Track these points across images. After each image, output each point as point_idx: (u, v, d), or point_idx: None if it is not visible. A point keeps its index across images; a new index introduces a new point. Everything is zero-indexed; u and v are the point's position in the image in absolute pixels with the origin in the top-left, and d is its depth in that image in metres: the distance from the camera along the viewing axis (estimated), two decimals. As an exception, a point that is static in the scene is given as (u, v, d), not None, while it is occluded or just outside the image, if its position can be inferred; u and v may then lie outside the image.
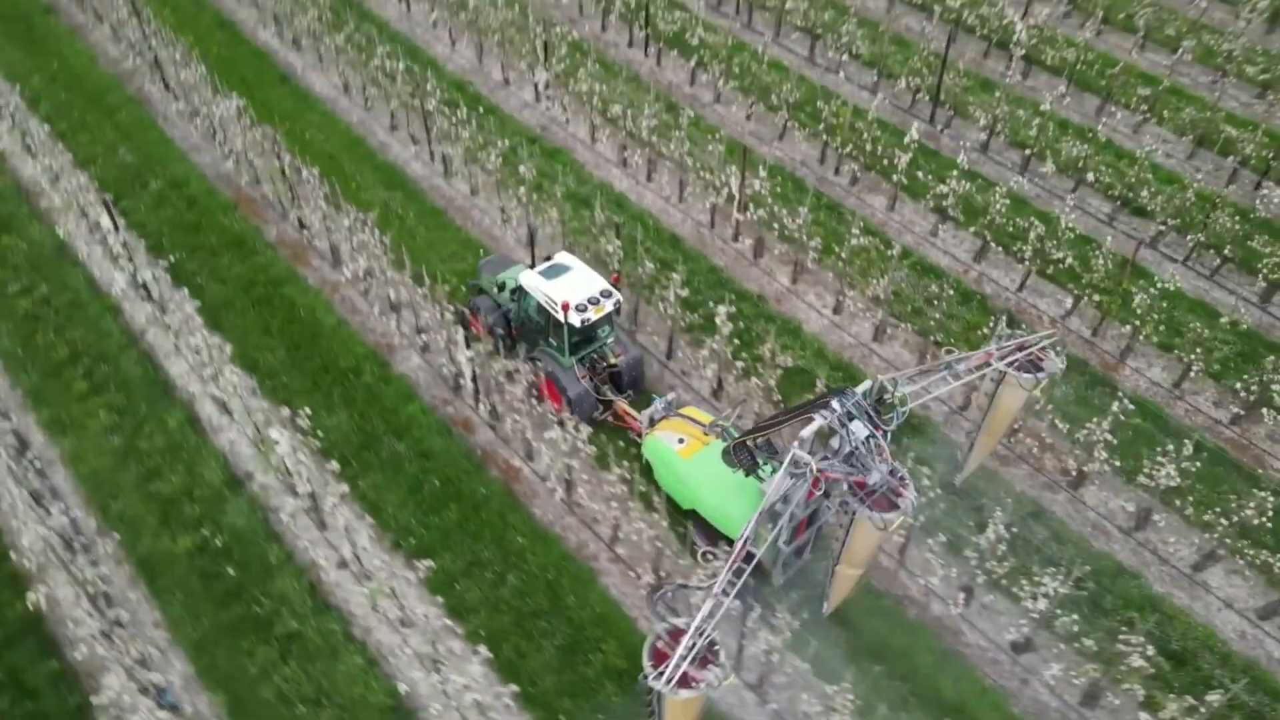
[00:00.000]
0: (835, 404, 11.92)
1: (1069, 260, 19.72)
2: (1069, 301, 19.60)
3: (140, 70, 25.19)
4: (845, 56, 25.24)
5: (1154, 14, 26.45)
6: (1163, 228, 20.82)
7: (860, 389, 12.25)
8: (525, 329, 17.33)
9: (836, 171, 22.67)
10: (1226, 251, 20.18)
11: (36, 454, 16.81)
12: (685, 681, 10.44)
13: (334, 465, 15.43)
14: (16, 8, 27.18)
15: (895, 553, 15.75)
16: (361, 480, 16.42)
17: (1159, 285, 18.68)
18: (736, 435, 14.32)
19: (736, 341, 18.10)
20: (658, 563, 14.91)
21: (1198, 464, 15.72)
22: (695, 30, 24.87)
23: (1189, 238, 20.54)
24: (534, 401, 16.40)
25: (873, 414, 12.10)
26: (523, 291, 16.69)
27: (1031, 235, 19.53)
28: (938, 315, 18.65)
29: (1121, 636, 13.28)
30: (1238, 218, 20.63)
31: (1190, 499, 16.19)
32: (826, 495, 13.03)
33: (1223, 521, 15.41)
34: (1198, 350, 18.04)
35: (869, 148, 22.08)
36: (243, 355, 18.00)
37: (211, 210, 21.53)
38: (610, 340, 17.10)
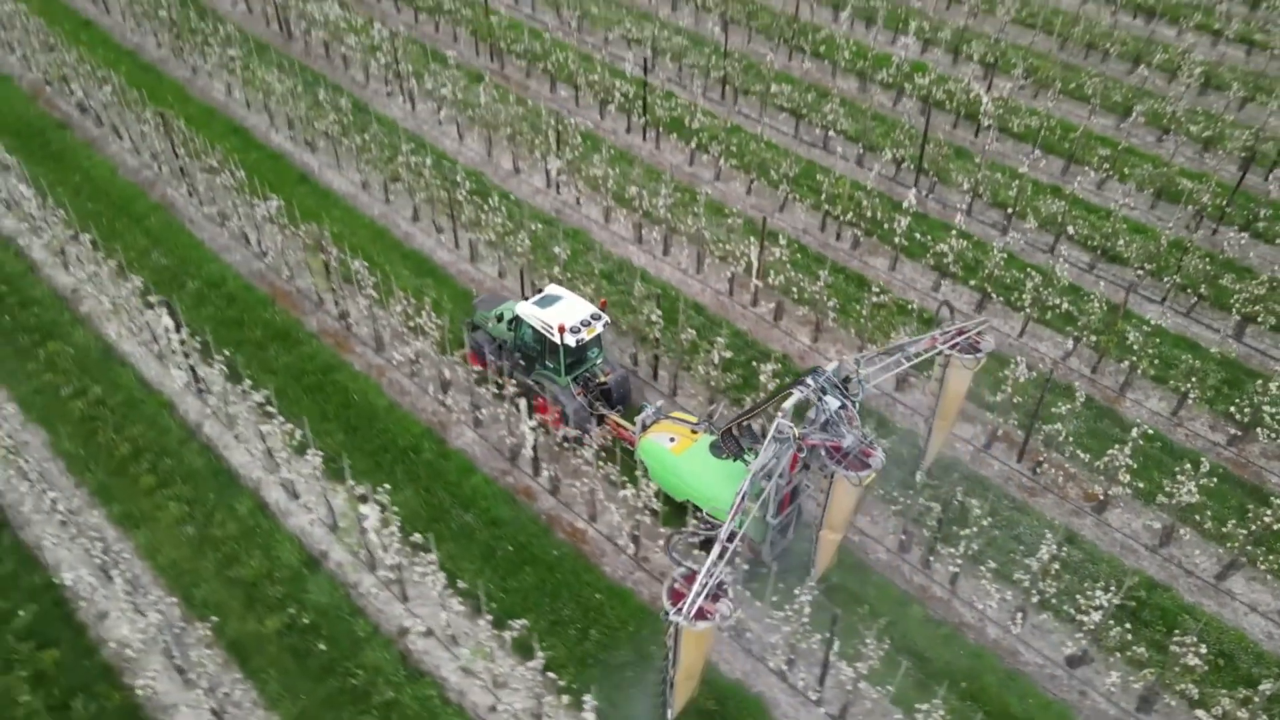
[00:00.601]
0: (810, 381, 13.90)
1: (1064, 306, 21.43)
2: (1068, 344, 21.25)
3: (162, 178, 26.08)
4: (831, 133, 27.21)
5: (1100, 83, 29.03)
6: (1140, 273, 22.74)
7: (829, 368, 14.19)
8: (522, 355, 18.91)
9: (838, 237, 24.34)
10: (1202, 290, 22.10)
11: (110, 548, 17.17)
12: (701, 614, 12.15)
13: (417, 537, 16.11)
14: (31, 125, 27.98)
15: (948, 582, 16.86)
16: (438, 550, 17.06)
17: (1147, 324, 20.45)
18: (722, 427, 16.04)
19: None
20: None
21: (1214, 480, 17.19)
22: (695, 115, 26.65)
23: (1165, 280, 22.48)
24: (595, 465, 17.33)
25: (842, 388, 14.12)
26: (519, 320, 18.43)
27: (1029, 285, 21.25)
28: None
29: (1175, 636, 14.46)
30: (1206, 259, 22.66)
31: (1208, 514, 17.62)
32: (806, 468, 15.00)
33: (1240, 533, 16.84)
34: (1192, 379, 19.70)
35: (868, 214, 23.80)
36: (300, 444, 18.65)
37: (251, 306, 22.32)
38: (600, 360, 18.90)
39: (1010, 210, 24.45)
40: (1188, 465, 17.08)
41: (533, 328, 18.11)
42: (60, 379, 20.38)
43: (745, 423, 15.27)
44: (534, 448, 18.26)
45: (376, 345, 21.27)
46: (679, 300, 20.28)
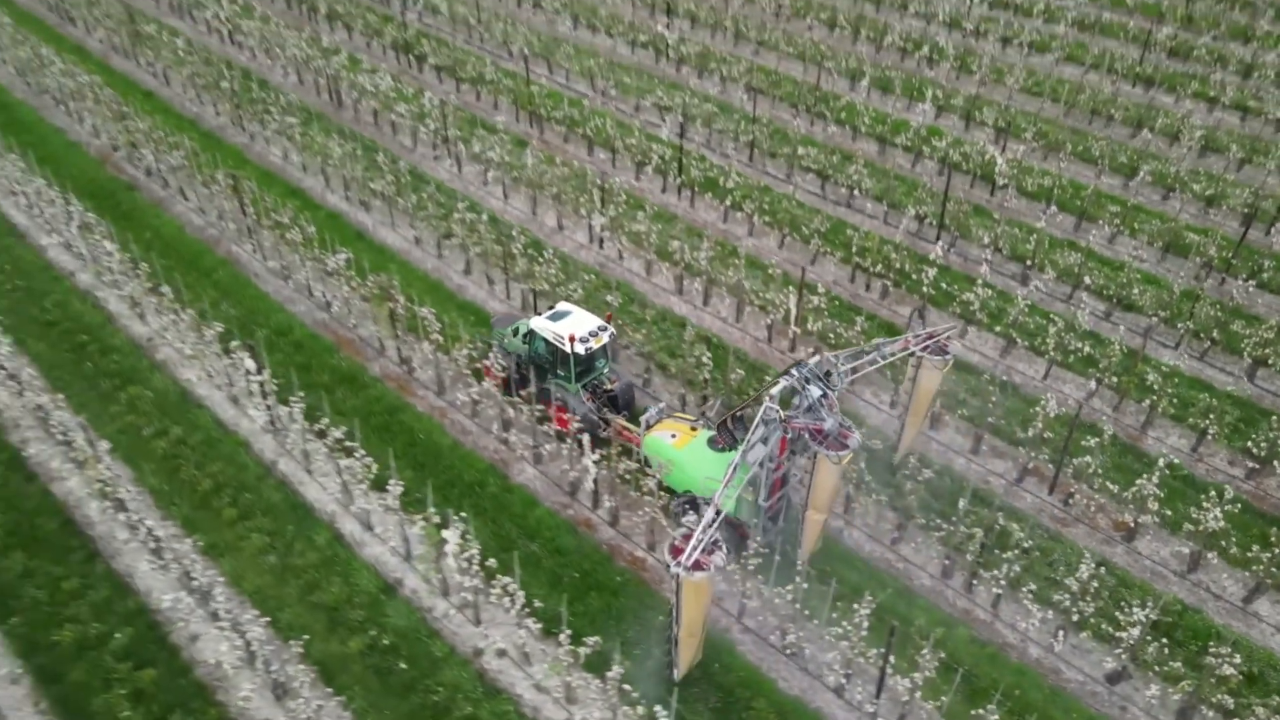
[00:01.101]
0: (795, 372, 15.91)
1: (1085, 349, 22.70)
2: (1090, 384, 22.46)
3: (227, 235, 27.58)
4: (856, 192, 28.83)
5: (1107, 146, 30.76)
6: (1154, 319, 24.07)
7: (811, 362, 16.15)
8: (536, 366, 20.52)
9: (867, 288, 25.73)
10: (1214, 335, 23.40)
11: (197, 576, 18.13)
12: (698, 566, 14.06)
13: (491, 562, 17.11)
14: (102, 187, 29.57)
15: (989, 606, 17.80)
16: (509, 574, 18.02)
17: (1164, 367, 21.68)
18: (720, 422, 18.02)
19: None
20: (784, 629, 16.74)
21: (1238, 507, 18.26)
22: (728, 175, 28.27)
23: (1179, 326, 23.79)
24: (650, 496, 18.37)
25: (823, 380, 16.02)
26: (533, 334, 20.16)
27: (1051, 330, 22.55)
28: (976, 402, 21.30)
29: (1211, 649, 15.39)
30: (1216, 307, 24.01)
31: (1232, 540, 18.64)
32: (794, 454, 16.61)
33: (1264, 557, 17.84)
34: (1209, 416, 20.87)
35: (896, 266, 25.22)
36: (378, 477, 19.72)
37: (318, 352, 23.58)
38: (606, 370, 20.68)
39: (1029, 262, 25.88)
40: (1212, 493, 18.15)
41: (545, 340, 19.90)
42: (141, 420, 21.52)
43: (739, 415, 17.03)
44: (595, 481, 19.36)
45: (439, 388, 22.49)
46: (722, 347, 21.57)
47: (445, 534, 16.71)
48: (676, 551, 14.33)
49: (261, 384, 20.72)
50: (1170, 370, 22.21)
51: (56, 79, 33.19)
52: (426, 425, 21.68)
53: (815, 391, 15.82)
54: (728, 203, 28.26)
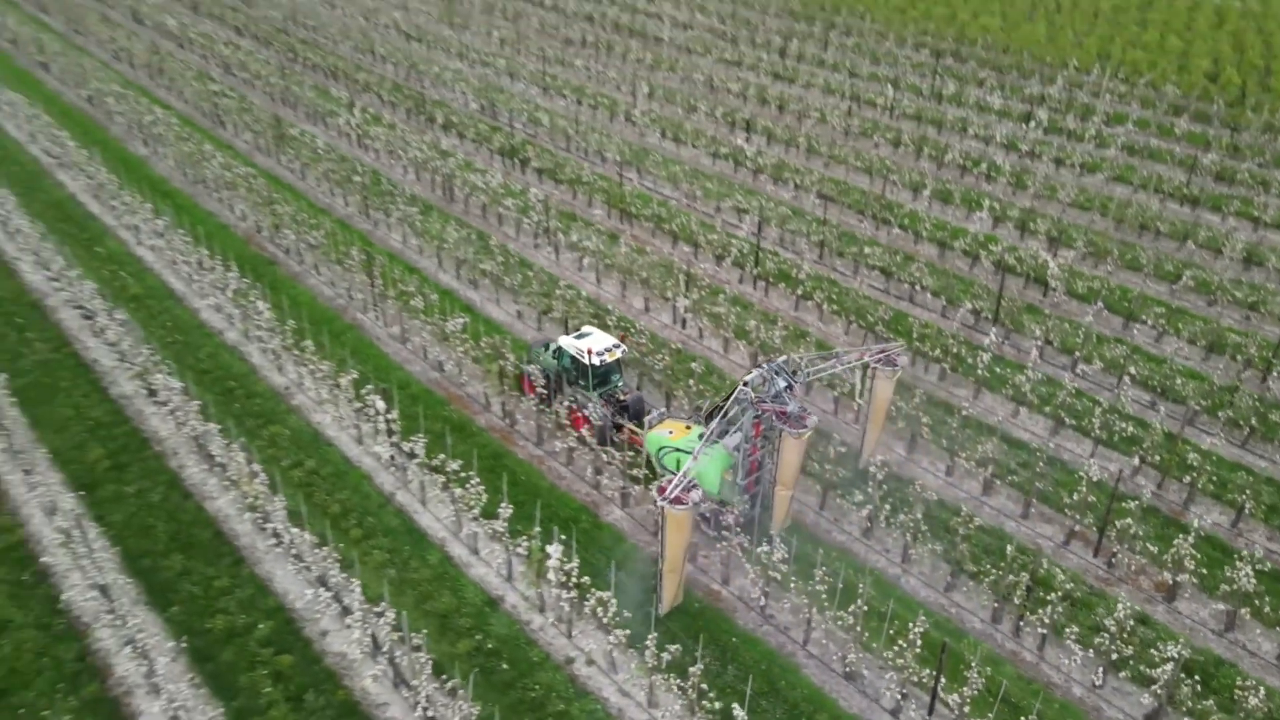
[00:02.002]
0: (764, 366, 19.62)
1: (1129, 430, 24.45)
2: (1134, 461, 24.12)
3: (353, 304, 31.06)
4: (916, 288, 31.34)
5: (1154, 254, 32.94)
6: (1196, 407, 25.74)
7: (779, 360, 19.81)
8: (563, 377, 24.53)
9: (925, 371, 27.91)
10: (1252, 423, 24.98)
11: (331, 584, 20.59)
12: (678, 501, 17.79)
13: (586, 579, 19.29)
14: (248, 261, 33.46)
15: (1035, 648, 19.31)
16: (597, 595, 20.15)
17: (1204, 449, 23.29)
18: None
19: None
20: (845, 659, 18.49)
21: (1265, 566, 19.63)
22: (800, 269, 31.07)
23: (1220, 415, 25.43)
24: (721, 534, 20.44)
25: (789, 375, 19.58)
26: (561, 350, 24.27)
27: (1097, 411, 24.42)
28: (1025, 474, 23.09)
29: (1238, 684, 16.73)
30: (1256, 400, 25.63)
31: (1265, 601, 19.94)
32: (766, 439, 19.82)
33: (1296, 617, 19.14)
34: (1246, 492, 22.37)
35: (953, 352, 27.44)
36: (487, 510, 22.14)
37: (431, 405, 26.44)
38: (620, 383, 24.57)
39: (1077, 354, 27.87)
40: (1244, 553, 19.60)
41: (571, 354, 23.83)
42: (280, 453, 24.44)
43: (721, 407, 20.02)
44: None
45: (538, 439, 25.09)
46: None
47: (550, 548, 19.05)
48: (662, 490, 17.99)
49: (389, 422, 23.58)
50: (1209, 450, 23.77)
51: (214, 170, 37.82)
52: (526, 470, 24.20)
53: (781, 382, 19.48)
54: (799, 292, 30.95)
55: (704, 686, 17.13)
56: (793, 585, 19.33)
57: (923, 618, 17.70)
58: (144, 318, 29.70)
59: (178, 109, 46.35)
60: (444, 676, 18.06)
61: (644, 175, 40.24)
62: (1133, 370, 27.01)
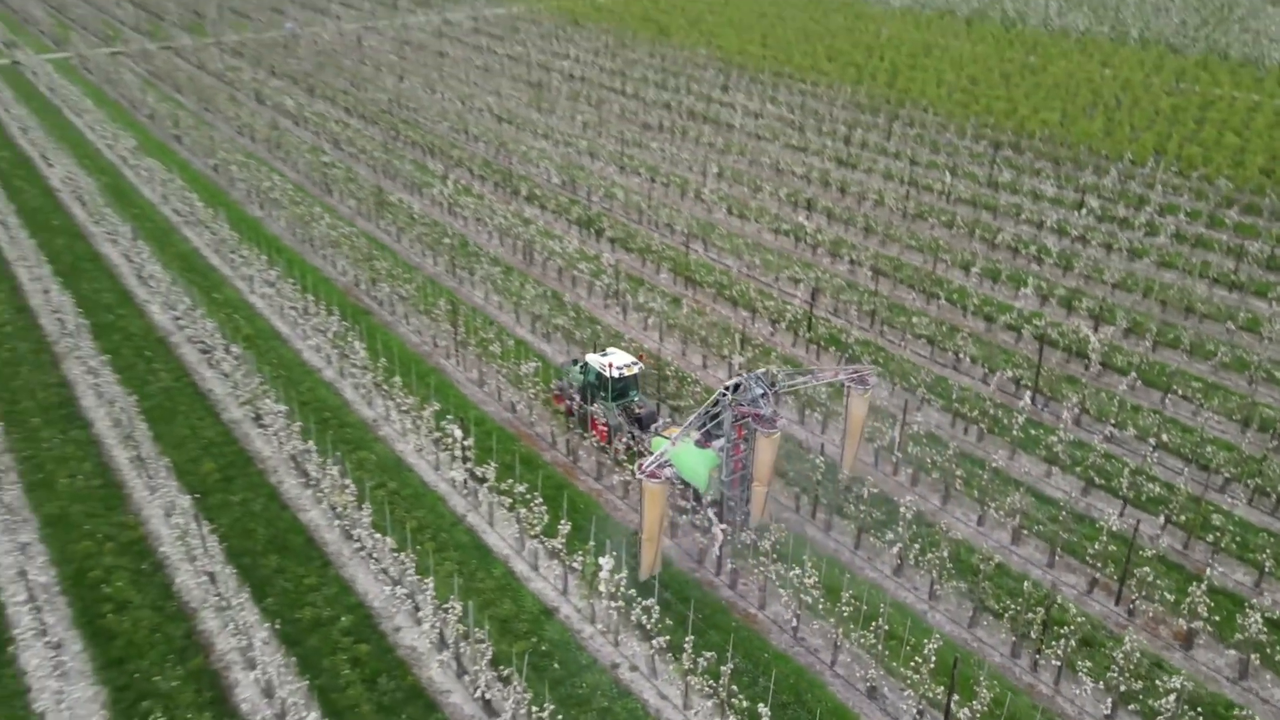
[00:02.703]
0: (744, 376, 22.81)
1: (1155, 489, 25.55)
2: (1159, 519, 25.16)
3: (437, 351, 34.02)
4: (959, 355, 32.99)
5: (1195, 335, 34.05)
6: (1225, 474, 26.70)
7: (759, 372, 23.01)
8: (586, 390, 28.07)
9: (965, 432, 29.41)
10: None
11: (406, 585, 22.87)
12: (653, 475, 20.99)
13: (633, 591, 21.20)
14: (347, 309, 36.85)
15: (1052, 682, 20.45)
16: (642, 610, 21.97)
17: (1227, 514, 24.27)
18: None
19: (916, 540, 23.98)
20: (867, 676, 19.94)
21: (1276, 613, 20.53)
22: (850, 333, 33.04)
23: (1249, 483, 26.33)
24: (769, 557, 22.17)
25: (767, 385, 22.76)
26: (587, 365, 28.04)
27: (1125, 471, 25.63)
28: (1052, 527, 24.34)
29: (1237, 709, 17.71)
30: (1285, 469, 26.52)
31: (1277, 650, 20.78)
32: (746, 440, 22.77)
33: (1306, 666, 19.95)
34: (1267, 551, 23.25)
35: (990, 414, 28.95)
36: (548, 529, 24.29)
37: (503, 439, 28.90)
38: (636, 397, 28.00)
39: (1112, 421, 29.09)
40: (1255, 601, 20.56)
41: (595, 370, 27.55)
42: (366, 475, 27.06)
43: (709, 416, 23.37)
44: (720, 547, 23.38)
45: (597, 474, 27.27)
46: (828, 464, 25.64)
47: (602, 560, 21.08)
48: (640, 467, 21.28)
49: (464, 449, 26.10)
50: (1228, 511, 24.71)
51: (321, 230, 41.77)
52: (585, 500, 26.35)
53: (757, 390, 22.64)
54: (847, 355, 32.89)
55: (734, 687, 18.79)
56: (821, 608, 20.95)
57: (936, 636, 19.12)
58: (254, 355, 33.02)
59: (291, 178, 51.00)
60: (500, 667, 20.06)
61: (709, 247, 42.91)
62: (1164, 437, 28.13)
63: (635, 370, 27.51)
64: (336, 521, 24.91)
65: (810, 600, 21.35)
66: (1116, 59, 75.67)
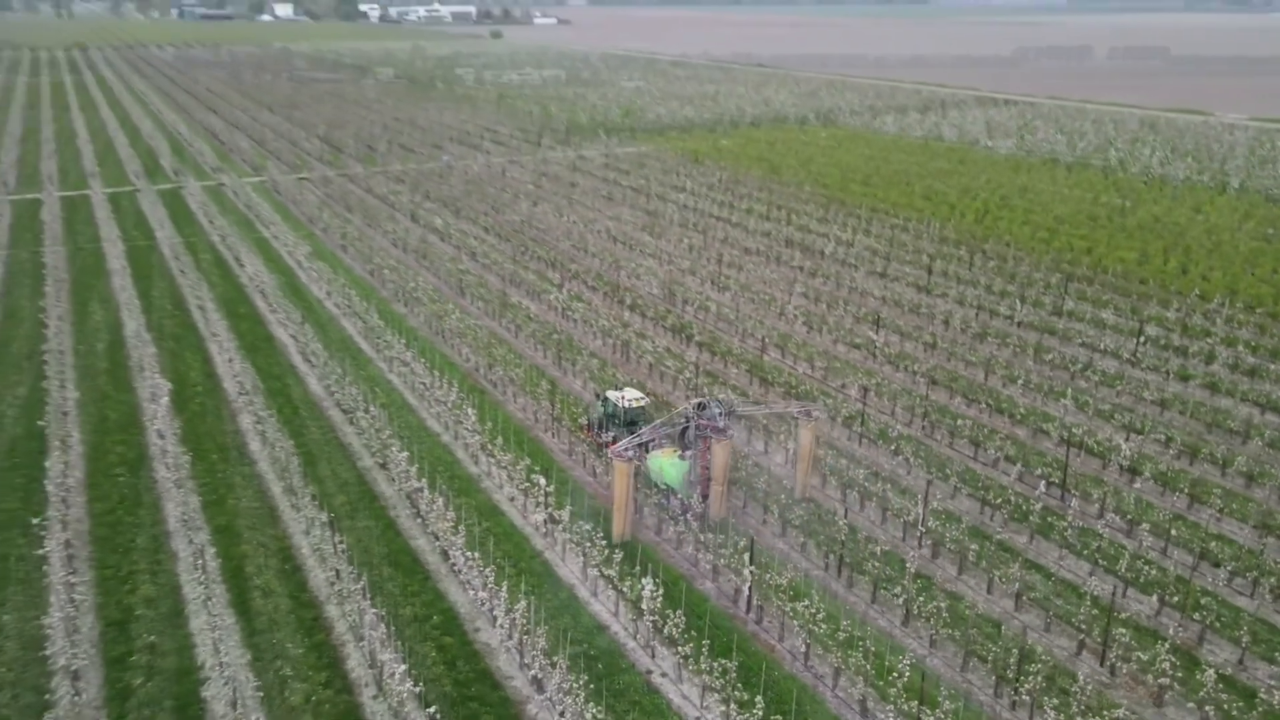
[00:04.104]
0: (705, 399, 31.25)
1: (1152, 572, 27.89)
2: (1155, 600, 27.45)
3: (538, 424, 39.42)
4: (997, 453, 36.04)
5: (1226, 450, 35.97)
6: (1230, 569, 28.73)
7: (720, 398, 32.46)
8: (606, 420, 35.51)
9: (991, 518, 32.36)
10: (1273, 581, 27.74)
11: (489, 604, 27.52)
12: (618, 456, 29.01)
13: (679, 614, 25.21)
14: (465, 386, 42.89)
15: (1028, 716, 23.08)
16: (681, 635, 25.82)
17: (1219, 599, 26.44)
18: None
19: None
20: (863, 700, 23.14)
21: (1228, 669, 22.66)
22: (895, 426, 36.70)
23: (1248, 575, 28.30)
24: (784, 602, 25.79)
25: (726, 408, 30.54)
26: (607, 399, 35.70)
27: (1125, 554, 28.13)
28: (1051, 598, 27.00)
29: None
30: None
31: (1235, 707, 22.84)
32: (708, 449, 29.95)
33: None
34: (1244, 629, 25.29)
35: (1014, 505, 31.92)
36: (607, 557, 28.58)
37: (580, 494, 33.60)
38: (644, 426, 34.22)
39: (1129, 516, 31.48)
40: (1208, 661, 22.83)
41: (612, 402, 35.32)
42: (467, 516, 32.18)
43: (682, 436, 31.45)
44: (749, 588, 27.19)
45: (657, 529, 31.58)
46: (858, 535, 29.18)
47: (644, 580, 25.31)
48: (611, 447, 29.90)
49: (547, 495, 31.01)
50: (1224, 597, 26.80)
51: (452, 324, 48.68)
52: (647, 549, 30.62)
53: (716, 410, 30.15)
54: (893, 448, 36.43)
55: (739, 685, 22.45)
56: (831, 643, 24.44)
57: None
58: (386, 418, 39.23)
59: (432, 282, 58.86)
60: (553, 658, 24.32)
61: (786, 354, 47.44)
62: (1174, 532, 30.37)
63: (643, 403, 34.82)
64: (437, 543, 30.04)
65: (818, 631, 24.85)
66: (1210, 206, 77.55)
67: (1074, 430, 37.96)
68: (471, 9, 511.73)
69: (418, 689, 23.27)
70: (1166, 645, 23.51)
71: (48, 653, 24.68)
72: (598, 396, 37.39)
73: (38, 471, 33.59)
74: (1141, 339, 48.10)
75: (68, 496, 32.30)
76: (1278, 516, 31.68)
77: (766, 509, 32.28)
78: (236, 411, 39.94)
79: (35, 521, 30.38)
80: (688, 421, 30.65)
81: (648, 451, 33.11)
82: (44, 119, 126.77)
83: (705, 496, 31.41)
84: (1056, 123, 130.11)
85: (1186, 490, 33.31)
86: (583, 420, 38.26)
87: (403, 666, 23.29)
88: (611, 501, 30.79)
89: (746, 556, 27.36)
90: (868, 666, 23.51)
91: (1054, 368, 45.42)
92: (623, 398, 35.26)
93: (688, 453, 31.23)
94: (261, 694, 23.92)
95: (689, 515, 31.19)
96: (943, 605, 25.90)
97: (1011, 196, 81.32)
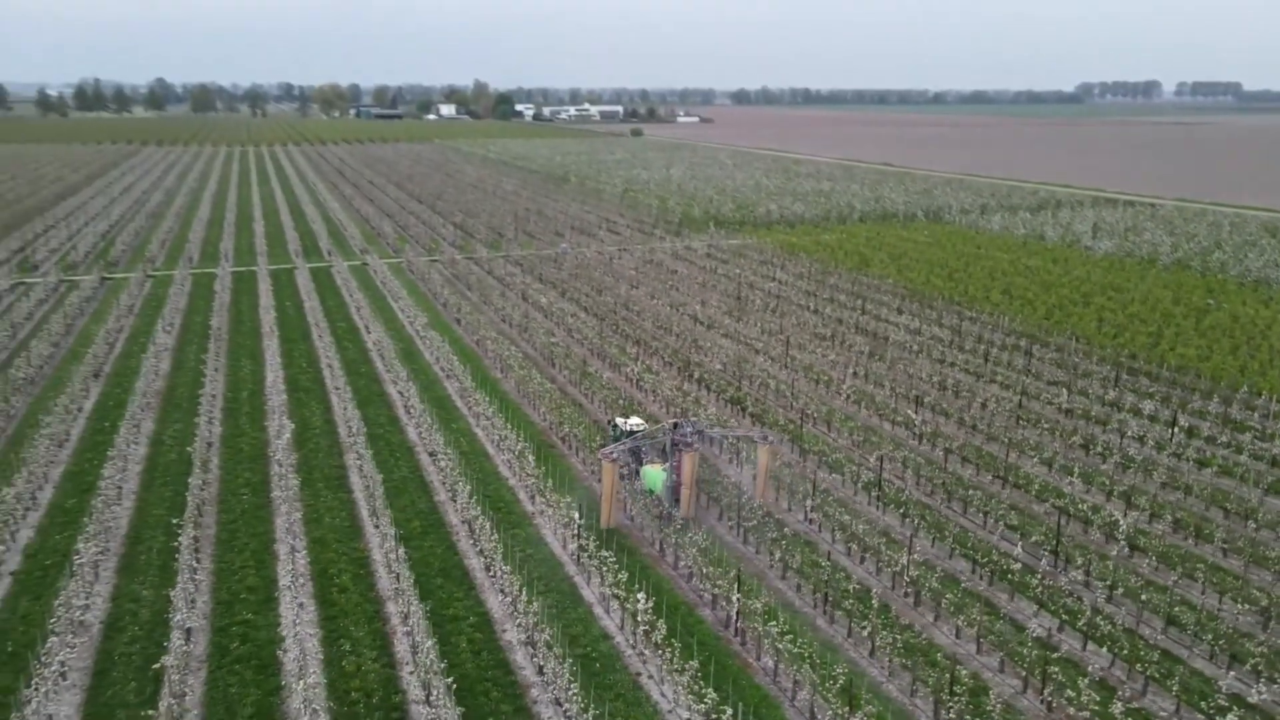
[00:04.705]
0: (679, 420, 39.20)
1: (1109, 628, 30.07)
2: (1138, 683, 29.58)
3: (594, 474, 44.43)
4: (1005, 527, 38.56)
5: (1225, 531, 37.27)
6: (1221, 645, 30.48)
7: (693, 420, 40.82)
8: (615, 439, 41.72)
9: (990, 584, 34.99)
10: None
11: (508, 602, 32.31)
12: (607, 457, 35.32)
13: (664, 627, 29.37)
14: (535, 441, 48.39)
15: (955, 737, 25.92)
16: (679, 653, 29.76)
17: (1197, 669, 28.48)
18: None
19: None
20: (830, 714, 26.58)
21: (1134, 704, 24.93)
22: (909, 488, 39.83)
23: (1247, 665, 30.03)
24: (764, 620, 29.46)
25: (695, 427, 39.16)
26: (615, 424, 42.57)
27: (1088, 610, 30.43)
28: (1011, 645, 29.55)
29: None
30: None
31: (1151, 747, 24.97)
32: (679, 462, 37.89)
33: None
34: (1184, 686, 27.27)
35: (1006, 572, 34.53)
36: (617, 583, 32.97)
37: (611, 535, 38.17)
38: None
39: (1120, 588, 33.52)
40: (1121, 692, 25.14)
41: (620, 427, 41.74)
42: (515, 545, 37.23)
43: (663, 449, 39.21)
44: (737, 614, 31.01)
45: (674, 562, 35.77)
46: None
47: (639, 596, 29.66)
48: (601, 450, 36.62)
49: (579, 528, 35.85)
50: (1199, 669, 28.76)
51: (535, 388, 54.77)
52: (657, 575, 34.85)
53: (689, 429, 38.44)
54: (910, 515, 39.49)
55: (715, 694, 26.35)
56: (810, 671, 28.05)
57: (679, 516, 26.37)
58: (464, 462, 45.09)
59: (527, 351, 65.50)
60: (560, 654, 28.84)
61: (831, 429, 51.00)
62: (1144, 598, 32.29)
63: (643, 427, 41.95)
64: (483, 560, 35.23)
65: (789, 651, 28.44)
66: (1299, 309, 76.31)
67: (1080, 504, 39.96)
68: (619, 108, 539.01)
69: (443, 664, 28.23)
70: (1086, 681, 25.93)
71: (171, 618, 31.02)
72: (609, 422, 45.82)
73: (182, 487, 40.95)
74: (1175, 427, 49.21)
75: (201, 507, 39.34)
76: (1251, 587, 33.06)
77: (723, 511, 38.98)
78: (343, 450, 46.75)
79: (175, 522, 37.48)
80: (664, 436, 39.19)
81: (640, 462, 40.37)
82: (229, 204, 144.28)
83: (678, 499, 38.95)
84: (1169, 224, 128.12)
85: (1179, 567, 35.01)
86: (600, 448, 44.04)
87: (435, 650, 28.35)
88: (601, 496, 38.09)
89: (735, 585, 31.28)
90: (832, 697, 26.97)
91: (1078, 448, 47.22)
92: (626, 422, 43.16)
93: (666, 464, 39.60)
94: (323, 661, 29.43)
95: (663, 514, 39.18)
96: (898, 638, 29.02)
97: (1093, 294, 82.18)
